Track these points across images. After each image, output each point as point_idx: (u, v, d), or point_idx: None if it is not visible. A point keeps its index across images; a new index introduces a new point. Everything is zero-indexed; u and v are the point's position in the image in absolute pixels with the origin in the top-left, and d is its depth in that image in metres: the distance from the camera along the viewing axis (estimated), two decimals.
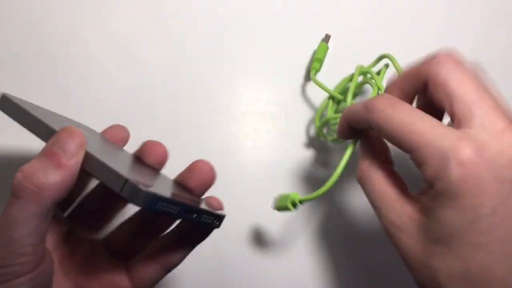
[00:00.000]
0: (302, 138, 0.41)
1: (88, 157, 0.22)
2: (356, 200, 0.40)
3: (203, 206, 0.26)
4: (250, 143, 0.41)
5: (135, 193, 0.20)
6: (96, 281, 0.27)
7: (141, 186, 0.20)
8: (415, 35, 0.44)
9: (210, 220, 0.25)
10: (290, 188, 0.40)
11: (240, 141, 0.41)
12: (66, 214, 0.30)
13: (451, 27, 0.45)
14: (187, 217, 0.24)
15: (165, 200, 0.21)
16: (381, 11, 0.44)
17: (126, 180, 0.20)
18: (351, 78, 0.38)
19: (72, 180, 0.22)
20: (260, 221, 0.39)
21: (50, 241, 0.26)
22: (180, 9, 0.43)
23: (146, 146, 0.29)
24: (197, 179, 0.28)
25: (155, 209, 0.21)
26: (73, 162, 0.22)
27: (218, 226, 0.27)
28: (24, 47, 0.40)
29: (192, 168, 0.28)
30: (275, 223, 0.39)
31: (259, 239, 0.39)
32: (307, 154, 0.41)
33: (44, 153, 0.22)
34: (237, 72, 0.42)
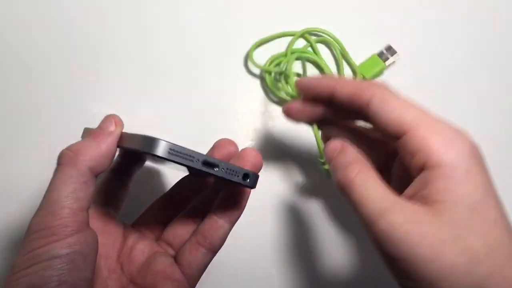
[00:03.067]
0: (302, 138, 0.42)
1: (123, 135, 0.26)
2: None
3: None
4: (250, 143, 0.41)
5: (153, 144, 0.22)
6: (151, 276, 0.27)
7: (159, 138, 0.22)
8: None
9: (238, 178, 0.25)
10: (290, 187, 0.40)
11: (240, 141, 0.41)
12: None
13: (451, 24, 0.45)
14: (208, 171, 0.24)
15: (182, 149, 0.23)
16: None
17: (144, 137, 0.23)
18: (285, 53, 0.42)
19: (108, 151, 0.25)
20: (261, 221, 0.39)
21: (109, 240, 0.28)
22: (179, 9, 0.43)
23: (219, 143, 0.30)
24: (249, 164, 0.27)
25: (172, 158, 0.22)
26: (108, 135, 0.25)
27: (251, 185, 0.25)
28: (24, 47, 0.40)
29: (240, 155, 0.28)
30: (275, 222, 0.39)
31: (259, 239, 0.39)
32: (307, 154, 0.41)
33: (88, 134, 0.26)
34: (237, 72, 0.42)
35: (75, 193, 0.23)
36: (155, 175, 0.39)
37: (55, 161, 0.24)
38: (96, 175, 0.25)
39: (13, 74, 0.40)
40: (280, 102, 0.42)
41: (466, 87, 0.44)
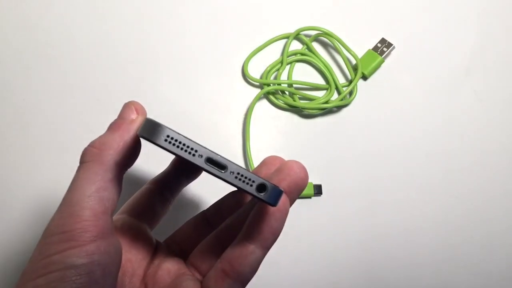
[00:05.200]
0: (302, 138, 0.42)
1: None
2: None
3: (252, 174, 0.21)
4: (251, 143, 0.41)
5: (151, 128, 0.20)
6: None
7: (161, 123, 0.20)
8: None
9: (251, 188, 0.20)
10: None
11: (240, 141, 0.41)
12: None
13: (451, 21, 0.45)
14: (213, 172, 0.20)
15: (183, 139, 0.20)
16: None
17: (147, 120, 0.20)
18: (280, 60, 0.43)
19: (131, 141, 0.22)
20: None
21: (137, 257, 0.25)
22: (180, 9, 0.43)
23: (267, 160, 0.26)
24: (289, 179, 0.23)
25: (169, 148, 0.19)
26: (131, 124, 0.23)
27: (269, 201, 0.20)
28: (24, 47, 0.41)
29: (282, 168, 0.23)
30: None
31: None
32: (307, 154, 0.41)
33: (109, 126, 0.23)
34: (237, 72, 0.42)
35: (99, 192, 0.21)
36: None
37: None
38: (123, 172, 0.22)
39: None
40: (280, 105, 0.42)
41: (466, 78, 0.44)
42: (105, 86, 0.41)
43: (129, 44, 0.42)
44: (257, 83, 0.42)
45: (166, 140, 0.19)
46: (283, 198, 0.22)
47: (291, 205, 0.23)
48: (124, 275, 0.24)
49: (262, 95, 0.41)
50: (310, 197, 0.40)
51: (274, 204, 0.21)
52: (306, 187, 0.38)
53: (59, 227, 0.20)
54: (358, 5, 0.44)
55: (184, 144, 0.19)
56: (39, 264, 0.19)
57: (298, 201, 0.39)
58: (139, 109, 0.24)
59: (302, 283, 0.39)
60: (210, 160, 0.20)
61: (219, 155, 0.20)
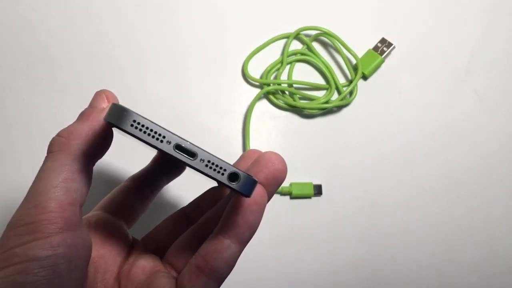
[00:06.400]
0: (302, 138, 0.42)
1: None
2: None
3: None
4: (251, 142, 0.41)
5: (117, 113, 0.18)
6: None
7: (127, 107, 0.18)
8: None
9: (223, 177, 0.19)
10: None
11: (240, 141, 0.41)
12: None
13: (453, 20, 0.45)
14: (181, 159, 0.19)
15: (150, 124, 0.18)
16: None
17: (113, 105, 0.19)
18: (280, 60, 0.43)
19: (100, 130, 0.21)
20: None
21: (111, 253, 0.24)
22: (179, 9, 0.43)
23: (246, 154, 0.26)
24: (266, 171, 0.22)
25: (135, 133, 0.18)
26: (100, 113, 0.22)
27: (242, 191, 0.19)
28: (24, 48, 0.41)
29: (259, 159, 0.22)
30: (276, 221, 0.39)
31: (259, 238, 0.39)
32: (307, 154, 0.41)
33: (79, 115, 0.22)
34: (237, 72, 0.42)
35: (66, 183, 0.20)
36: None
37: None
38: (92, 162, 0.21)
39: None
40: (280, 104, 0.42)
41: (466, 78, 0.43)
42: (105, 86, 0.41)
43: (129, 44, 0.42)
44: (257, 83, 0.42)
45: (132, 126, 0.18)
46: (260, 190, 0.21)
47: (269, 199, 0.22)
48: (97, 271, 0.23)
49: (262, 95, 0.41)
50: (310, 197, 0.40)
51: (247, 194, 0.19)
52: (306, 187, 0.38)
53: (23, 218, 0.19)
54: (358, 5, 0.44)
55: (151, 130, 0.18)
56: (0, 257, 0.18)
57: (298, 201, 0.39)
58: (111, 97, 0.23)
59: (302, 283, 0.39)
60: (179, 147, 0.19)
61: (188, 141, 0.19)
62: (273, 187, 0.22)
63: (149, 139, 0.18)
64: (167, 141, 0.19)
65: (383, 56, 0.42)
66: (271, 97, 0.41)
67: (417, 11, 0.45)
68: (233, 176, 0.19)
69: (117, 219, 0.26)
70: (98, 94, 0.23)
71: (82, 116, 0.22)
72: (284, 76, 0.42)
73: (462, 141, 0.42)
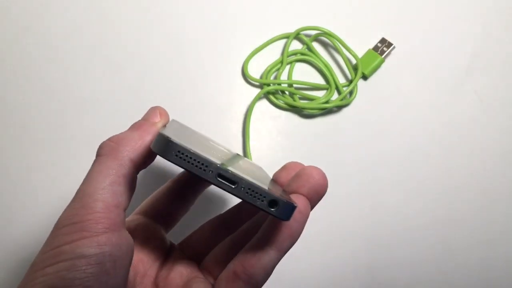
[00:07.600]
0: (302, 138, 0.42)
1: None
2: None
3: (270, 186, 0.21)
4: (251, 142, 0.41)
5: (161, 143, 0.20)
6: None
7: (171, 137, 0.20)
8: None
9: (263, 204, 0.20)
10: None
11: (240, 141, 0.41)
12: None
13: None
14: (223, 187, 0.20)
15: (193, 155, 0.19)
16: None
17: (159, 135, 0.21)
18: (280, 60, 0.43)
19: (150, 143, 0.22)
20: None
21: (150, 257, 0.25)
22: (180, 10, 0.43)
23: (288, 165, 0.26)
24: (308, 186, 0.23)
25: (180, 163, 0.19)
26: (152, 126, 0.23)
27: (281, 216, 0.20)
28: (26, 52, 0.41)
29: (300, 174, 0.23)
30: None
31: None
32: (307, 154, 0.41)
33: (131, 125, 0.24)
34: (237, 72, 0.42)
35: (113, 186, 0.20)
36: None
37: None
38: (137, 170, 0.22)
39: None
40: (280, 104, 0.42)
41: (467, 78, 0.43)
42: (105, 86, 0.41)
43: (128, 44, 0.42)
44: (257, 83, 0.42)
45: (177, 156, 0.19)
46: (304, 202, 0.22)
47: (312, 208, 0.23)
48: (136, 274, 0.24)
49: (262, 95, 0.41)
50: None
51: (286, 219, 0.20)
52: None
53: (70, 218, 0.20)
54: (358, 5, 0.44)
55: (195, 160, 0.19)
56: (48, 254, 0.19)
57: None
58: (163, 114, 0.25)
59: (302, 283, 0.39)
60: (221, 176, 0.20)
61: (229, 170, 0.20)
62: (315, 201, 0.23)
63: (193, 169, 0.20)
64: (210, 170, 0.20)
65: (383, 56, 0.42)
66: (271, 97, 0.41)
67: (417, 11, 0.45)
68: (273, 203, 0.20)
69: (156, 224, 0.27)
70: (152, 110, 0.25)
71: (134, 126, 0.24)
72: (284, 76, 0.42)
73: (462, 141, 0.42)
